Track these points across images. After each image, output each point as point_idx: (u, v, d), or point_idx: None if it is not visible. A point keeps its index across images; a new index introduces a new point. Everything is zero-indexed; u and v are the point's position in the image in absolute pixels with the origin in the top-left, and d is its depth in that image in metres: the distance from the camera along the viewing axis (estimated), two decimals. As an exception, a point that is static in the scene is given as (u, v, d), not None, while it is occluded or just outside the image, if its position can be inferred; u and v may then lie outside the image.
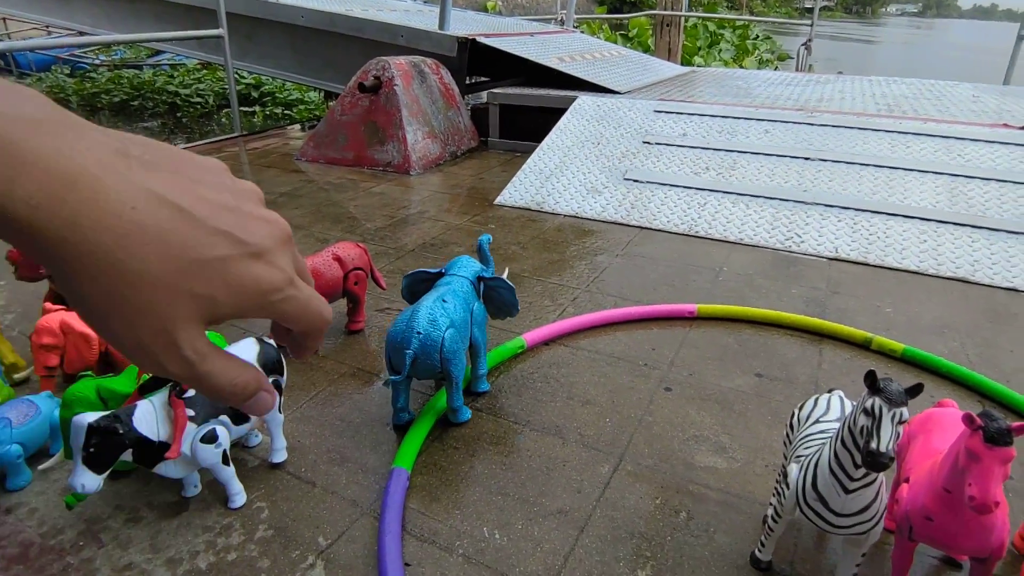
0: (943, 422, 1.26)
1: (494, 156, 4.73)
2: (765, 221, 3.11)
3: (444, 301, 1.66)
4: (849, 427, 1.03)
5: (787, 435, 1.32)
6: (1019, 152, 3.43)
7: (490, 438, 1.70)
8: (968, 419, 0.98)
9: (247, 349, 1.55)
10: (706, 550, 1.36)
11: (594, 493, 1.51)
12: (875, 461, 0.94)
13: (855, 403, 1.05)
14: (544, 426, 1.74)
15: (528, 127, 4.63)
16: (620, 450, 1.65)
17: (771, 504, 1.25)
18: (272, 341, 1.62)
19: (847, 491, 1.05)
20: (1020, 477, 1.62)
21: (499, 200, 3.61)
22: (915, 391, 0.97)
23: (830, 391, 1.32)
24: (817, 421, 1.23)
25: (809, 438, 1.19)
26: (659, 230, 3.18)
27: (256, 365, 1.52)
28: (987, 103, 4.73)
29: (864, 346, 2.13)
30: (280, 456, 1.62)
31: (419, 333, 1.58)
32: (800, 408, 1.31)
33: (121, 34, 6.19)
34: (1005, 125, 3.81)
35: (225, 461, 1.43)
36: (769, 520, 1.25)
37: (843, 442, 1.04)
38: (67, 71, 11.15)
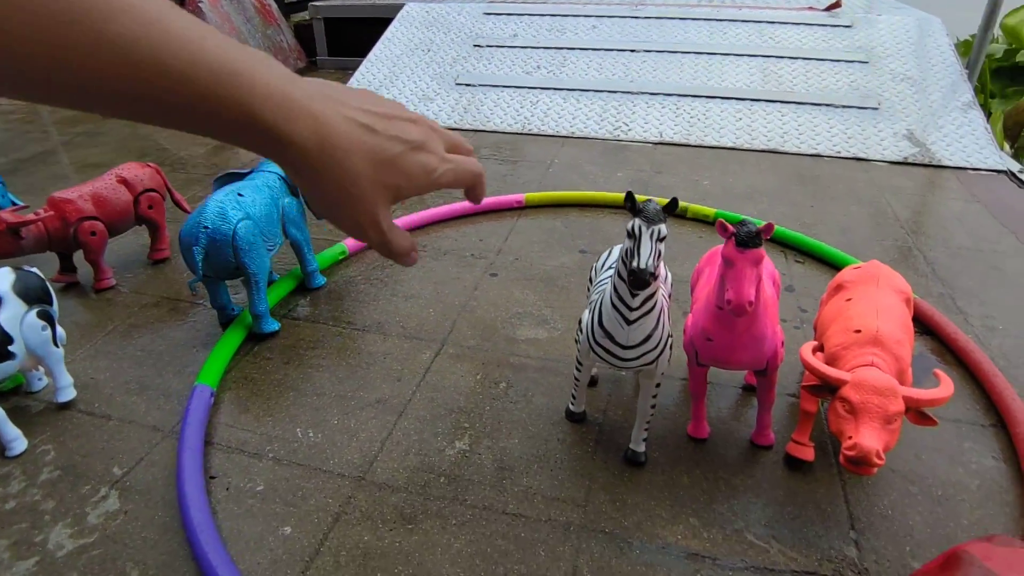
0: (726, 254, 1.31)
1: (324, 76, 4.42)
2: (595, 113, 3.13)
3: (240, 195, 1.56)
4: (621, 258, 1.04)
5: (588, 289, 1.34)
6: (821, 32, 3.65)
7: (307, 344, 1.61)
8: (721, 227, 1.01)
9: (2, 278, 1.34)
10: (523, 412, 1.38)
11: (414, 379, 1.48)
12: (637, 278, 0.95)
13: None
14: (365, 325, 1.67)
15: (357, 41, 4.36)
16: (442, 336, 1.62)
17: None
18: (33, 269, 1.41)
19: (629, 322, 1.07)
20: (813, 309, 1.76)
21: (328, 117, 3.39)
22: (672, 206, 0.98)
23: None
24: (609, 268, 1.24)
25: (600, 284, 1.20)
26: (493, 131, 3.13)
27: (13, 294, 1.33)
28: (799, -7, 4.98)
29: (681, 215, 2.22)
30: (67, 395, 1.44)
31: (206, 228, 1.46)
32: (597, 259, 1.32)
33: None
34: (811, 8, 4.03)
35: (-12, 406, 1.25)
36: (574, 371, 1.27)
37: (619, 274, 1.05)
38: None
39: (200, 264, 1.44)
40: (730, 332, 1.10)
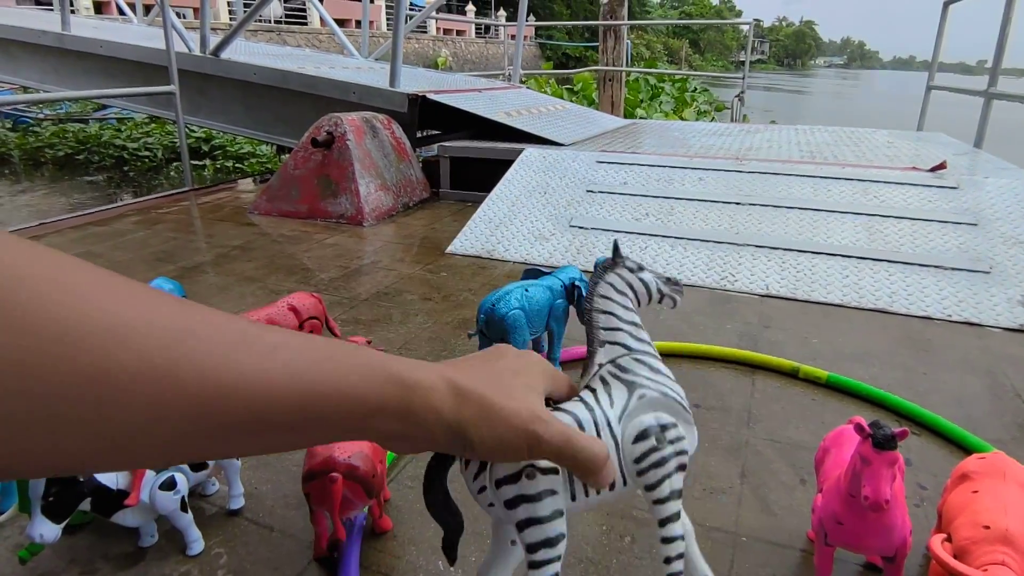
0: (852, 437, 1.40)
1: (445, 206, 4.87)
2: (701, 262, 3.30)
3: (526, 290, 2.01)
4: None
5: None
6: (927, 192, 3.75)
7: (444, 475, 1.76)
8: (859, 428, 1.11)
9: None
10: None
11: (544, 522, 1.59)
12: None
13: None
14: (496, 462, 1.82)
15: (477, 178, 4.81)
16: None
17: None
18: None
19: None
20: (934, 487, 1.77)
21: (450, 249, 3.73)
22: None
23: None
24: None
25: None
26: (604, 273, 3.34)
27: None
28: (900, 148, 5.13)
29: (792, 375, 2.29)
30: (238, 503, 1.65)
31: (491, 306, 1.93)
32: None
33: (69, 90, 6.19)
34: (915, 168, 4.15)
35: (183, 508, 1.46)
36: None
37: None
38: (8, 125, 10.97)
39: (480, 326, 1.94)
40: (861, 520, 1.18)
